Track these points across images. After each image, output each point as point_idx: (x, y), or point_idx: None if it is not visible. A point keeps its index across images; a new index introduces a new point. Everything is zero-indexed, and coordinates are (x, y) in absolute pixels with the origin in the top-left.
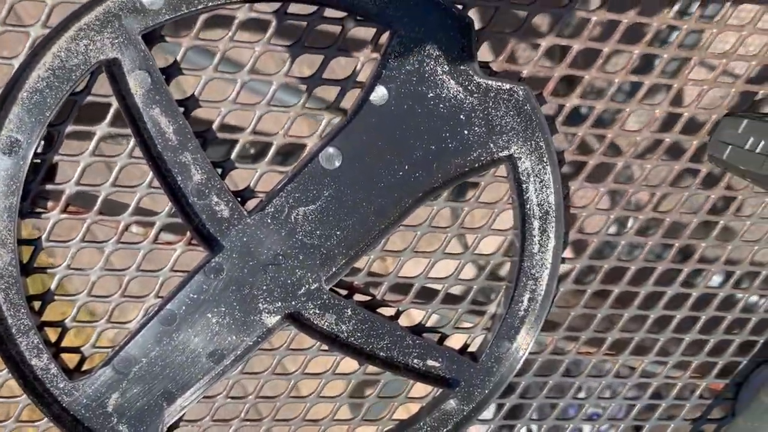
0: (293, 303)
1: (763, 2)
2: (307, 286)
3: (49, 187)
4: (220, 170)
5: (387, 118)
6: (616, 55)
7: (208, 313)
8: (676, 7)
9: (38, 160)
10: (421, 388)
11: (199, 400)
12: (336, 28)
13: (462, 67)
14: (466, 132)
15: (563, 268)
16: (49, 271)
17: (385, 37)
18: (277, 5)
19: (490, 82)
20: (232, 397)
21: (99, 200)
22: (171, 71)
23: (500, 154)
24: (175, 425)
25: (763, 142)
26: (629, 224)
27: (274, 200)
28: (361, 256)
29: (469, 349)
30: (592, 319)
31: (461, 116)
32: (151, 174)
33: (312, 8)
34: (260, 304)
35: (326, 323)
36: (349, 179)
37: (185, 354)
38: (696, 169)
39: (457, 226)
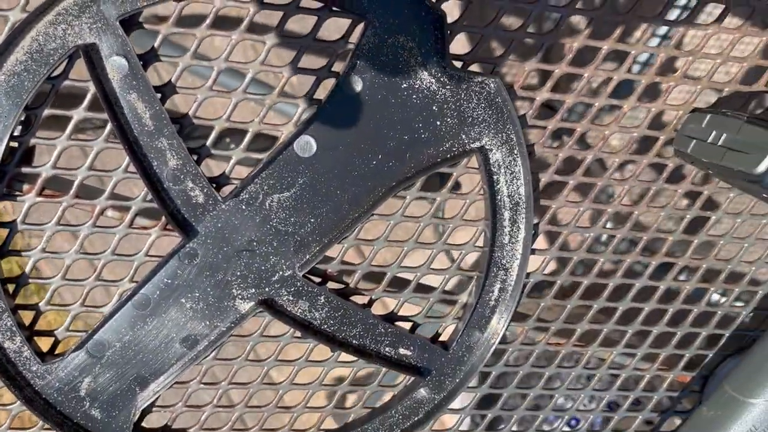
0: (267, 289)
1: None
2: (280, 272)
3: (25, 169)
4: (195, 156)
5: (361, 108)
6: (586, 50)
7: (182, 299)
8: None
9: (15, 144)
10: (391, 377)
11: (171, 386)
12: (311, 19)
13: (435, 59)
14: (438, 123)
15: (533, 259)
16: (23, 254)
17: (359, 28)
18: None
19: (462, 74)
20: (205, 383)
21: (75, 184)
22: (148, 57)
23: (472, 146)
24: (148, 410)
25: (724, 135)
26: (600, 219)
27: (248, 187)
28: (334, 243)
29: (441, 339)
30: (561, 310)
31: (434, 107)
32: (127, 159)
33: None
34: (234, 290)
35: (299, 310)
36: (323, 167)
37: (158, 339)
38: (663, 164)
39: (429, 216)
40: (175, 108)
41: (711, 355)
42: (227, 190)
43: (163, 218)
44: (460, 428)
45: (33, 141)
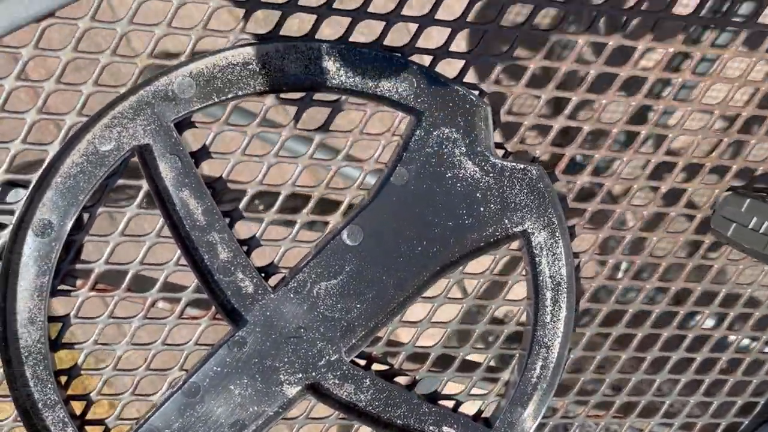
0: (313, 374)
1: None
2: (327, 357)
3: (79, 266)
4: (245, 247)
5: (407, 197)
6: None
7: (231, 385)
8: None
9: (69, 240)
10: None
11: None
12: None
13: (479, 149)
14: (482, 209)
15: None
16: (76, 346)
17: (405, 120)
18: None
19: (505, 162)
20: None
21: (127, 278)
22: (200, 155)
23: (515, 230)
24: None
25: (766, 224)
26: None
27: (297, 275)
28: (380, 328)
29: (483, 415)
30: (600, 383)
31: (477, 194)
32: (178, 251)
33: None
34: (281, 376)
35: (345, 393)
36: (370, 254)
37: (208, 425)
38: (700, 240)
39: (472, 297)
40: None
41: (746, 422)
42: (275, 278)
43: (213, 308)
44: None
45: (87, 238)
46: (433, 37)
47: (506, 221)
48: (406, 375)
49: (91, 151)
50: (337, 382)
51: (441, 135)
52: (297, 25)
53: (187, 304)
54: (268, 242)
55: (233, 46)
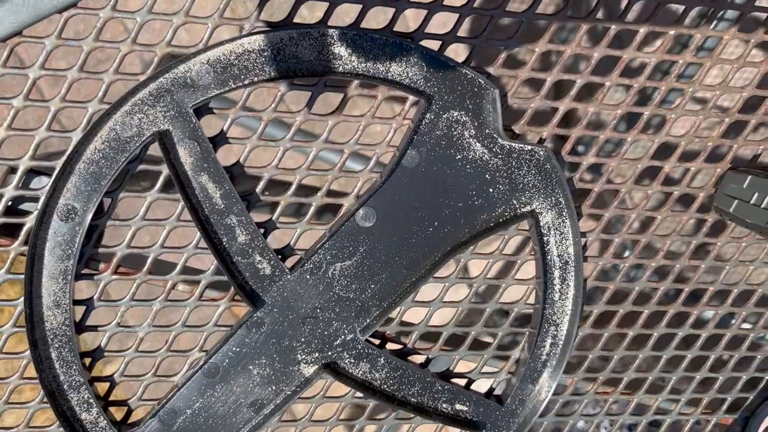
0: (330, 353)
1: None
2: (343, 337)
3: (102, 250)
4: (263, 230)
5: (418, 179)
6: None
7: (250, 366)
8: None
9: (92, 225)
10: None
11: None
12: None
13: (487, 131)
14: (491, 190)
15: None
16: (99, 329)
17: (412, 103)
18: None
19: (513, 144)
20: None
21: (148, 261)
22: (218, 140)
23: (523, 210)
24: None
25: (767, 198)
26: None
27: (313, 257)
28: (394, 307)
29: (495, 393)
30: (609, 360)
31: (486, 176)
32: (197, 235)
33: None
34: (299, 355)
35: (361, 372)
36: (383, 235)
37: (227, 405)
38: (703, 219)
39: (483, 277)
40: (242, 178)
41: (752, 397)
42: (292, 260)
43: (232, 290)
44: None
45: (109, 223)
46: (443, 23)
47: (515, 202)
48: (420, 354)
49: (112, 137)
50: (352, 361)
51: (450, 118)
52: (309, 17)
53: (207, 286)
54: (284, 224)
55: (249, 33)
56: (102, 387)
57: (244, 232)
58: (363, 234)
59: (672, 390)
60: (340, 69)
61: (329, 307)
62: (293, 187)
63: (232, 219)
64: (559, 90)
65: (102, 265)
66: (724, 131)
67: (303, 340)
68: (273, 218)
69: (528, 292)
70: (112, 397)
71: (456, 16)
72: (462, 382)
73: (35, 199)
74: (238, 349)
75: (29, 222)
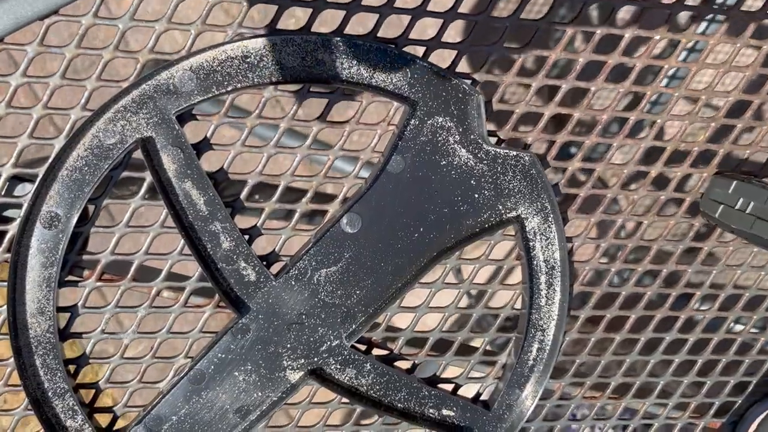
0: (315, 359)
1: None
2: (328, 343)
3: (86, 257)
4: (247, 237)
5: (403, 185)
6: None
7: (235, 372)
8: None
9: (76, 232)
10: None
11: None
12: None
13: (472, 137)
14: (476, 196)
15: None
16: (84, 335)
17: (400, 110)
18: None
19: (498, 150)
20: None
21: (132, 268)
22: (201, 146)
23: (509, 215)
24: None
25: (752, 204)
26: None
27: (297, 263)
28: (380, 313)
29: (482, 398)
30: (596, 365)
31: (472, 181)
32: (181, 241)
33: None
34: (284, 362)
35: (347, 378)
36: (368, 241)
37: (213, 411)
38: (691, 222)
39: (469, 282)
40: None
41: (740, 401)
42: (277, 266)
43: (217, 296)
44: None
45: (93, 230)
46: (426, 29)
47: (500, 207)
48: (406, 359)
49: (95, 144)
50: (338, 367)
51: (435, 124)
52: (293, 24)
53: (192, 292)
54: (269, 231)
55: (232, 40)
56: (87, 394)
57: (229, 239)
58: (348, 240)
59: (660, 394)
60: (324, 75)
61: (315, 313)
62: (278, 193)
63: (217, 225)
64: (549, 95)
65: (86, 272)
66: (711, 136)
67: (288, 346)
68: (258, 224)
69: (515, 297)
70: (97, 404)
71: (440, 21)
72: (449, 387)
73: (18, 206)
74: (223, 356)
75: (12, 229)
